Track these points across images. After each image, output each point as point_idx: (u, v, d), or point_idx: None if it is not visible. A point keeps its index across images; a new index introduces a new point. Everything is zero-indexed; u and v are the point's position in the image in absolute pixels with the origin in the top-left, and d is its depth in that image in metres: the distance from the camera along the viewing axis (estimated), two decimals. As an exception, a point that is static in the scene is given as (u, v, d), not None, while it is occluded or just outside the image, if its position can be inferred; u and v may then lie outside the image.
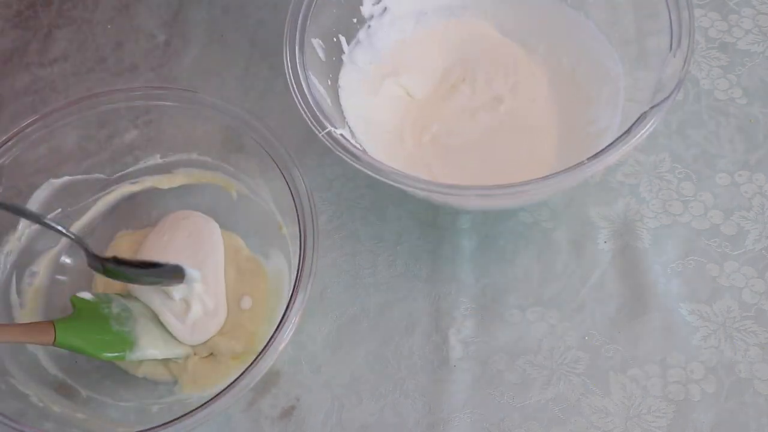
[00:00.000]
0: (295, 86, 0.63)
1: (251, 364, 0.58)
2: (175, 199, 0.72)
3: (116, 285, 0.68)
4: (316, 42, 0.67)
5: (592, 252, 0.70)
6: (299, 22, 0.66)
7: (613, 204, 0.72)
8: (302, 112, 0.63)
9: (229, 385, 0.57)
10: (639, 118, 0.61)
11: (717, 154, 0.74)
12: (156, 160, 0.71)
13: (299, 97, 0.63)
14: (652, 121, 0.61)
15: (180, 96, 0.68)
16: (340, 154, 0.61)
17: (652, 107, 0.61)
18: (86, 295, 0.65)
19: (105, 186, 0.71)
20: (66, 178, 0.69)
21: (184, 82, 0.80)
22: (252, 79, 0.80)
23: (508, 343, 0.67)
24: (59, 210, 0.70)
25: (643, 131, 0.60)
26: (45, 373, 0.65)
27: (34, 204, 0.68)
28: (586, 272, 0.69)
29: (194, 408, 0.57)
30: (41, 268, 0.69)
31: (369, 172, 0.61)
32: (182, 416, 0.57)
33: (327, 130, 0.62)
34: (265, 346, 0.58)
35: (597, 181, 0.73)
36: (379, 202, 0.73)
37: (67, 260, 0.70)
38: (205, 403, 0.57)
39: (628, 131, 0.60)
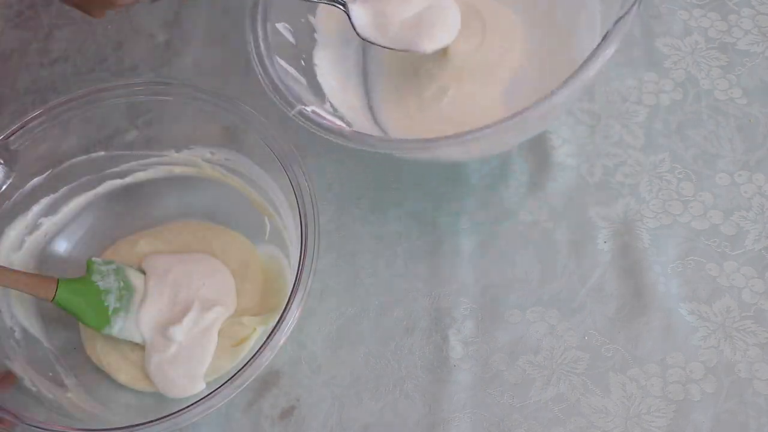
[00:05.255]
0: (261, 71, 0.65)
1: (251, 358, 0.57)
2: (176, 199, 0.72)
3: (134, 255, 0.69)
4: (282, 26, 0.68)
5: (591, 252, 0.70)
6: (259, 8, 0.68)
7: (613, 204, 0.72)
8: (270, 95, 0.64)
9: (228, 380, 0.57)
10: (605, 36, 0.59)
11: (717, 154, 0.74)
12: (158, 154, 0.71)
13: (266, 81, 0.64)
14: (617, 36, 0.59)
15: (181, 92, 0.68)
16: (312, 129, 0.62)
17: (615, 23, 0.59)
18: (97, 260, 0.67)
19: (102, 179, 0.71)
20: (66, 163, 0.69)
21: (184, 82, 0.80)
22: (252, 79, 0.80)
23: (508, 343, 0.67)
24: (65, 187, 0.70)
25: (608, 48, 0.58)
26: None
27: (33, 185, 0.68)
28: (586, 272, 0.70)
29: (191, 403, 0.56)
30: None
31: (341, 142, 0.62)
32: (180, 410, 0.56)
33: (297, 108, 0.63)
34: (265, 342, 0.57)
35: (596, 181, 0.73)
36: (379, 202, 0.73)
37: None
38: (203, 397, 0.57)
39: (597, 47, 0.59)
